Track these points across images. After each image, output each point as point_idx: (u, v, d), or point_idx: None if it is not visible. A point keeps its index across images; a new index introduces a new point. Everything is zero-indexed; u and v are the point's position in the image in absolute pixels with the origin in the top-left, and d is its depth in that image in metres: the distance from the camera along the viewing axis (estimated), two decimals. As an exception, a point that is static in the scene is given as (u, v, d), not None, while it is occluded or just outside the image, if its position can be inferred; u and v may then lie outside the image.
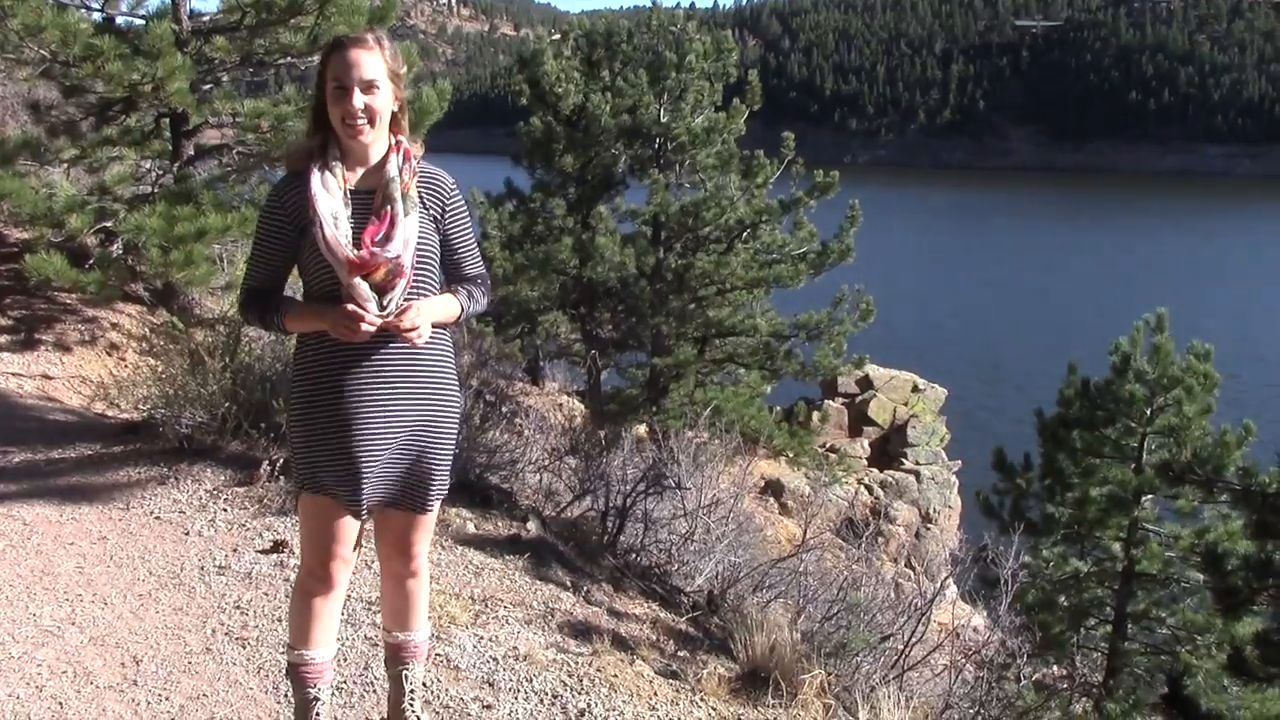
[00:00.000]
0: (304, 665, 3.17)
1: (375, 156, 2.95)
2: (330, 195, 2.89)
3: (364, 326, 2.81)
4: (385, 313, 2.86)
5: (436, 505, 3.17)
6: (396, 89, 2.93)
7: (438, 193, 3.04)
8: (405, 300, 2.90)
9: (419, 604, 3.31)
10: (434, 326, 2.99)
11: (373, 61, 2.85)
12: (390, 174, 2.92)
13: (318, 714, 3.21)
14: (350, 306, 2.82)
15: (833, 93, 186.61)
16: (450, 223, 3.06)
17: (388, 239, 2.86)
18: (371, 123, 2.88)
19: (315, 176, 2.89)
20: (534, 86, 16.82)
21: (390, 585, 3.31)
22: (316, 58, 8.63)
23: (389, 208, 2.90)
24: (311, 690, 3.19)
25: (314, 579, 3.14)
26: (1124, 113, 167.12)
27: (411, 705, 3.34)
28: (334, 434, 2.97)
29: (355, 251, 2.84)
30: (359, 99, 2.84)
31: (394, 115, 2.96)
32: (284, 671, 3.42)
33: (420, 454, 3.05)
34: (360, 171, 2.96)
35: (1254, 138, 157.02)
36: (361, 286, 2.84)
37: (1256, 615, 10.02)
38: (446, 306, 3.03)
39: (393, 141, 2.97)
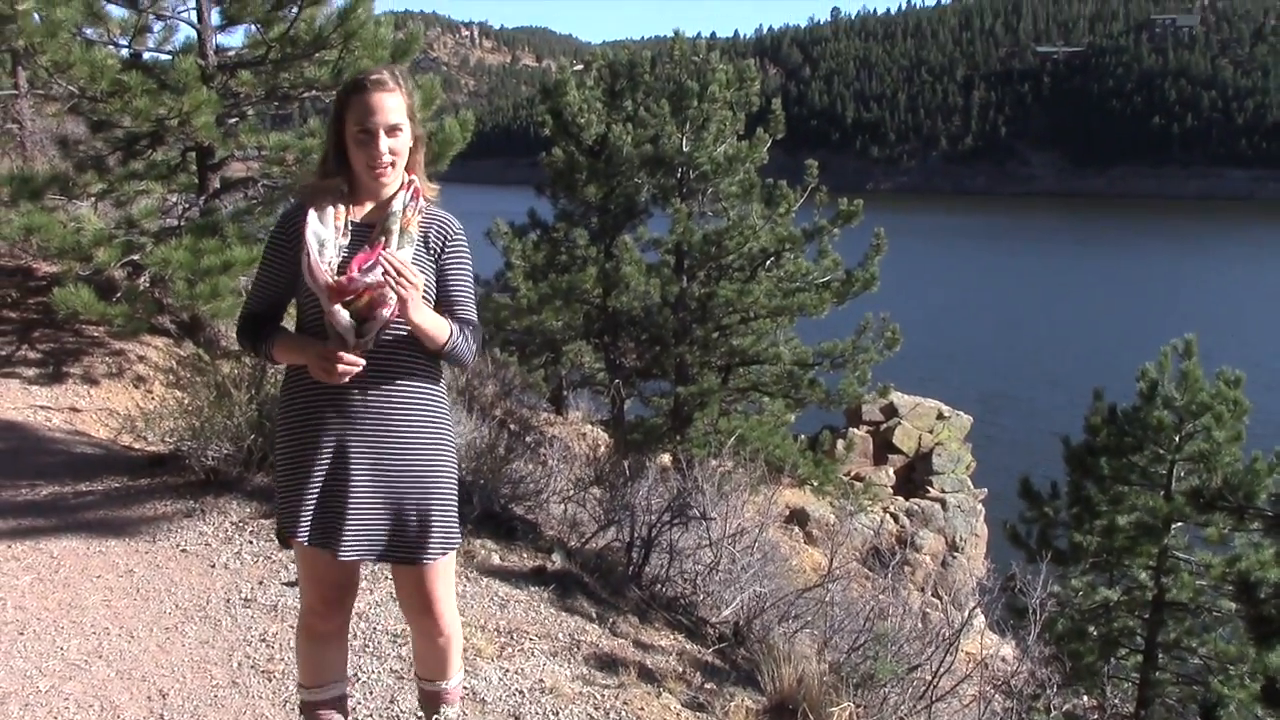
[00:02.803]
0: (317, 704, 3.18)
1: (387, 192, 2.95)
2: (321, 224, 2.88)
3: (340, 368, 2.78)
4: (364, 340, 2.82)
5: (436, 558, 3.05)
6: (414, 125, 2.92)
7: (441, 233, 3.00)
8: (387, 334, 2.87)
9: (451, 656, 3.25)
10: (418, 369, 2.97)
11: (395, 103, 2.85)
12: (394, 208, 2.91)
13: None
14: (327, 348, 2.80)
15: (854, 120, 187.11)
16: (447, 263, 3.00)
17: (373, 267, 2.81)
18: (394, 165, 2.89)
19: (313, 209, 2.90)
20: (557, 117, 16.92)
21: (418, 640, 3.27)
22: (341, 91, 8.75)
23: (384, 239, 2.88)
24: None
25: (314, 618, 3.14)
26: (1147, 137, 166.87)
27: None
28: (304, 470, 2.95)
29: (335, 277, 2.82)
30: (384, 143, 2.84)
31: (409, 150, 2.95)
32: (298, 710, 3.42)
33: (404, 503, 2.98)
34: (369, 206, 2.96)
35: (1278, 161, 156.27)
36: (341, 314, 2.80)
37: (1291, 644, 9.88)
38: (437, 320, 2.91)
39: (405, 179, 2.96)
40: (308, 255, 2.84)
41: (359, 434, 2.92)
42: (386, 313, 2.82)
